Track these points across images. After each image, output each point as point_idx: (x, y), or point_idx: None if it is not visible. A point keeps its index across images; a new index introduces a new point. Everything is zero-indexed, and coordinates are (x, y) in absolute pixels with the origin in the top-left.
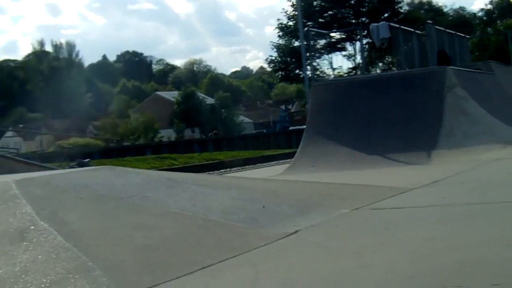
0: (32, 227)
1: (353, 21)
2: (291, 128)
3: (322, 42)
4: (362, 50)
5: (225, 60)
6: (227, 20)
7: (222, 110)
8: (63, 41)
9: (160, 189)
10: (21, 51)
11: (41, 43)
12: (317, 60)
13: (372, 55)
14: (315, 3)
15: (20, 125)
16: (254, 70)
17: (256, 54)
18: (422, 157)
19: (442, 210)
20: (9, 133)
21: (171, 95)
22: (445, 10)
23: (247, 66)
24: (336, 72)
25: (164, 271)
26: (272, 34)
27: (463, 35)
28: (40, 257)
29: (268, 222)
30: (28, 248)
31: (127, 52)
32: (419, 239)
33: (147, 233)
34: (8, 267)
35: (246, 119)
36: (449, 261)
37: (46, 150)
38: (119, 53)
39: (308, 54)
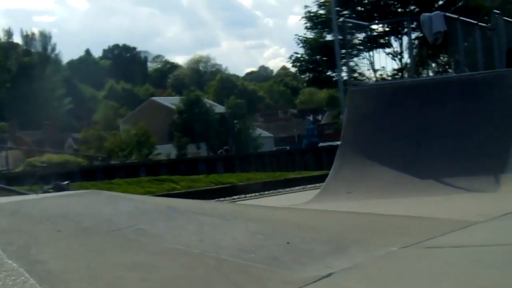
0: None
1: (400, 10)
2: (321, 144)
3: (360, 36)
4: (410, 47)
5: (238, 58)
6: (241, 7)
7: (235, 121)
8: (35, 30)
9: (159, 220)
10: None
11: (9, 33)
12: (355, 59)
13: (423, 53)
14: None
15: None
16: (275, 71)
17: (277, 51)
18: (488, 183)
19: None
20: None
21: (171, 101)
22: None
23: (266, 65)
24: (378, 74)
25: None
26: (297, 25)
27: None
28: None
29: (294, 263)
30: None
31: (116, 46)
32: (487, 286)
33: (143, 275)
34: None
35: (265, 133)
36: None
37: (12, 169)
38: (106, 47)
39: (343, 51)
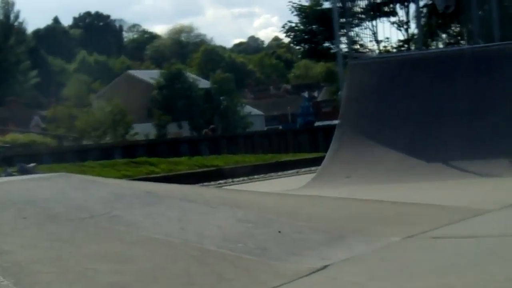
0: None
1: None
2: (317, 124)
3: (362, 3)
4: (418, 15)
5: (224, 27)
6: None
7: (221, 98)
8: None
9: (136, 207)
10: None
11: None
12: (356, 29)
13: (433, 22)
14: None
15: None
16: (266, 42)
17: (267, 20)
18: (502, 167)
19: None
20: None
21: (150, 75)
22: None
23: (256, 36)
24: (381, 46)
25: None
26: None
27: None
28: None
29: (286, 254)
30: None
31: (88, 13)
32: (499, 281)
33: (118, 267)
34: None
35: (255, 111)
36: None
37: None
38: (76, 15)
39: (342, 20)
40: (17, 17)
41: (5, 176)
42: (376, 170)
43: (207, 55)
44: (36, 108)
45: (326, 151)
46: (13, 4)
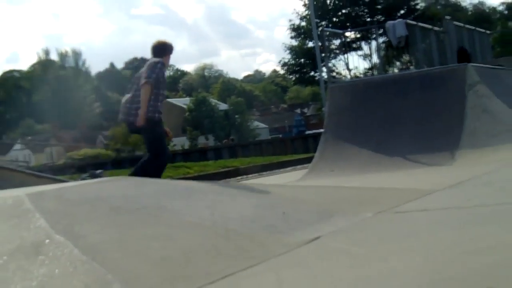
0: (48, 241)
1: (368, 19)
2: (307, 132)
3: (337, 42)
4: (378, 49)
5: (236, 64)
6: (236, 22)
7: (236, 116)
8: (68, 49)
9: (177, 199)
10: (23, 61)
11: (47, 52)
12: (333, 61)
13: (389, 54)
14: (328, 1)
15: (29, 137)
16: (267, 74)
17: (267, 57)
18: (445, 158)
19: (468, 212)
20: (17, 146)
21: (183, 102)
22: (463, 4)
23: (259, 69)
24: (352, 73)
25: (184, 282)
26: (283, 35)
27: (483, 30)
28: (57, 271)
29: (289, 229)
30: (44, 262)
31: (135, 58)
32: (446, 242)
33: (165, 244)
34: (24, 283)
35: (261, 125)
36: (477, 264)
37: (56, 162)
38: (126, 59)
39: (323, 55)
40: (84, 63)
41: (81, 180)
42: (352, 164)
43: (224, 85)
44: (100, 130)
45: (315, 152)
46: (80, 54)
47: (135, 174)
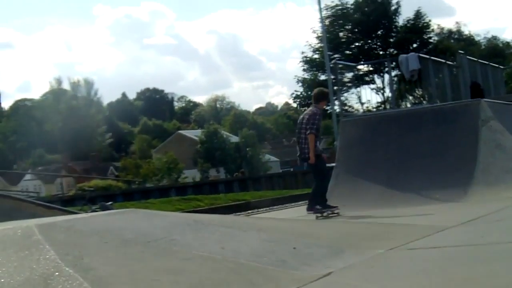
0: (57, 273)
1: (381, 52)
2: None
3: (349, 75)
4: (391, 82)
5: (247, 96)
6: (248, 54)
7: (247, 149)
8: (80, 78)
9: (187, 232)
10: (35, 90)
11: (59, 81)
12: (345, 94)
13: (402, 87)
14: (341, 34)
15: (39, 168)
16: (279, 107)
17: (279, 89)
18: (458, 194)
19: (480, 250)
20: (28, 176)
21: (194, 133)
22: (477, 39)
23: (271, 102)
24: (364, 106)
25: None
26: (295, 67)
27: (496, 65)
28: None
29: (300, 264)
30: None
31: (147, 89)
32: (457, 280)
33: (175, 278)
34: None
35: (272, 158)
36: None
37: (66, 193)
38: (138, 90)
39: (335, 88)
40: (96, 93)
41: (91, 212)
42: (364, 199)
43: (236, 117)
44: (111, 161)
45: None
46: (92, 84)
47: (313, 199)
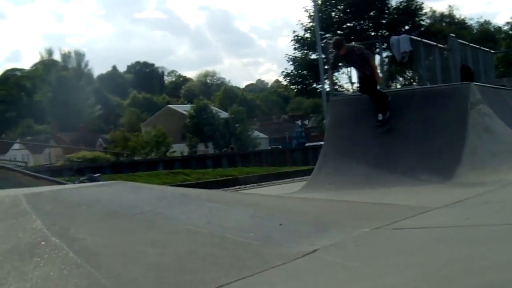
0: (43, 243)
1: (373, 33)
2: (307, 144)
3: None
4: (381, 63)
5: (238, 72)
6: (239, 31)
7: (236, 125)
8: (71, 50)
9: (174, 206)
10: (24, 60)
11: (50, 52)
12: (335, 74)
13: (392, 69)
14: (333, 14)
15: (28, 138)
16: (269, 84)
17: (269, 67)
18: (445, 176)
19: (466, 231)
20: (16, 146)
21: (184, 108)
22: (469, 23)
23: (261, 79)
24: (355, 86)
25: None
26: (286, 46)
27: (487, 49)
28: (51, 273)
29: (285, 241)
30: (39, 264)
31: (138, 62)
32: (442, 260)
33: (161, 250)
34: (19, 284)
35: (261, 135)
36: (472, 283)
37: (54, 163)
38: (129, 63)
39: (326, 67)
40: (86, 65)
41: (78, 183)
42: (352, 179)
43: (226, 93)
44: (99, 133)
45: (314, 165)
46: (84, 55)
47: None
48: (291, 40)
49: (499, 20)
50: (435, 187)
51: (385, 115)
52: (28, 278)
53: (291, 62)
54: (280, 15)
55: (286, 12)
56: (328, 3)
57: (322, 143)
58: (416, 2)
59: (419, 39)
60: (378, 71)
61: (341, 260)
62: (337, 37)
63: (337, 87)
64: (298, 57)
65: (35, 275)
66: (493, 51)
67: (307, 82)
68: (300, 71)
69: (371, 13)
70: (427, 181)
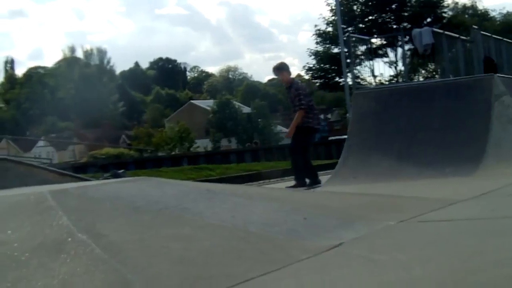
0: (70, 239)
1: (395, 26)
2: (330, 138)
3: (362, 48)
4: (404, 56)
5: (259, 67)
6: (260, 26)
7: (259, 120)
8: (93, 47)
9: (199, 201)
10: (46, 58)
11: (72, 49)
12: (358, 67)
13: (415, 62)
14: (354, 7)
15: (52, 135)
16: None
17: (291, 61)
18: (469, 169)
19: (492, 223)
20: (41, 143)
21: (206, 103)
22: (492, 14)
23: None
24: (377, 79)
25: (204, 283)
26: (307, 40)
27: (510, 41)
28: (78, 269)
29: (310, 235)
30: (66, 260)
31: (160, 59)
32: (468, 252)
33: (186, 245)
34: (46, 280)
35: (284, 129)
36: (499, 275)
37: (79, 160)
38: (151, 60)
39: (348, 61)
40: (108, 62)
41: (103, 179)
42: (376, 172)
43: (248, 88)
44: (123, 129)
45: (338, 158)
46: (106, 52)
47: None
48: (313, 34)
49: None
50: (459, 179)
51: (295, 184)
52: (55, 274)
53: (313, 56)
54: (300, 9)
55: (306, 6)
56: None
57: (345, 136)
58: None
59: (441, 31)
60: (400, 63)
61: (367, 253)
62: (280, 62)
63: (359, 80)
64: (320, 51)
65: (62, 271)
66: None
67: (330, 76)
68: (322, 65)
69: (393, 6)
70: (452, 174)
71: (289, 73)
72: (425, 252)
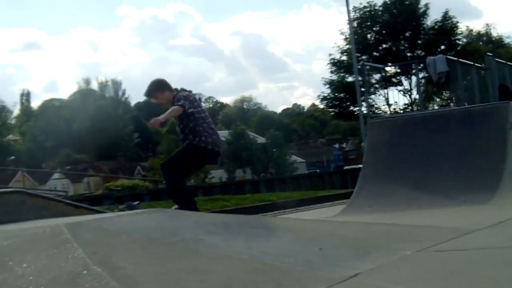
0: (85, 272)
1: (409, 54)
2: (346, 167)
3: (377, 76)
4: (418, 85)
5: (273, 97)
6: (273, 55)
7: (274, 150)
8: (108, 79)
9: (214, 232)
10: (61, 90)
11: (87, 81)
12: (372, 96)
13: (429, 90)
14: (368, 36)
15: (67, 167)
16: (306, 108)
17: (305, 91)
18: (485, 197)
19: (508, 252)
20: (56, 175)
21: (221, 134)
22: (506, 41)
23: (297, 103)
24: (392, 108)
25: None
26: (321, 69)
27: None
28: None
29: (326, 265)
30: None
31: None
32: (486, 282)
33: (202, 277)
34: None
35: (299, 159)
36: None
37: (93, 192)
38: None
39: (363, 89)
40: (123, 93)
41: (117, 211)
42: (391, 201)
43: (262, 118)
44: (138, 161)
45: (353, 188)
46: (120, 83)
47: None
48: (328, 63)
49: None
50: (475, 208)
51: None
52: None
53: (327, 85)
54: (314, 38)
55: (320, 35)
56: (363, 25)
57: (360, 166)
58: (452, 22)
59: (455, 59)
60: (415, 91)
61: (384, 283)
62: (157, 79)
63: (374, 109)
64: (334, 80)
65: None
66: None
67: (344, 105)
68: (336, 94)
69: (407, 34)
70: (468, 202)
71: (171, 91)
72: (442, 282)
